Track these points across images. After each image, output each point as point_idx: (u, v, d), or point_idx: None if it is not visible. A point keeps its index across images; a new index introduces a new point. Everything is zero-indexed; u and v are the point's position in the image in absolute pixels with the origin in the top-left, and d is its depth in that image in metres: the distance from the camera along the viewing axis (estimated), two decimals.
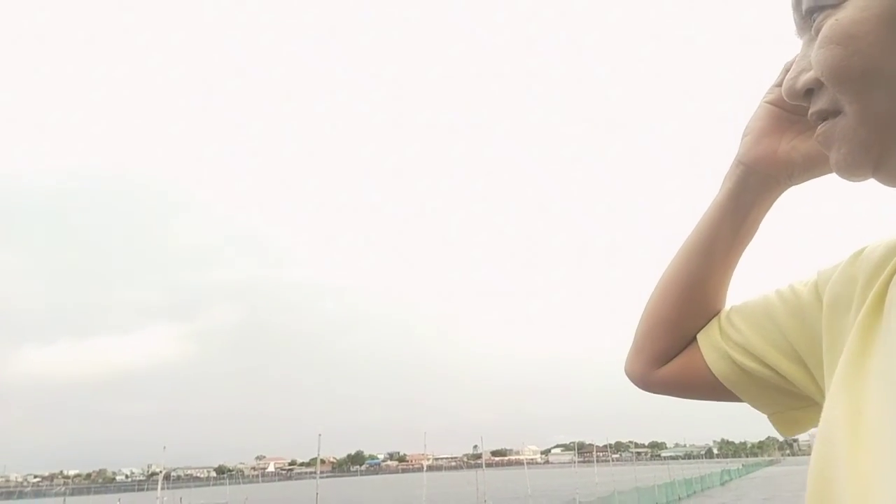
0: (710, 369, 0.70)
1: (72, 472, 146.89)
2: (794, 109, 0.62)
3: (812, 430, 0.56)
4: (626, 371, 0.80)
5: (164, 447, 23.70)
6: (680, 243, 0.75)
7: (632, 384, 0.80)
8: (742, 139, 0.67)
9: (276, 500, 47.90)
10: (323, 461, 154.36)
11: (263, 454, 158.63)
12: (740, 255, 0.73)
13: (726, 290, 0.74)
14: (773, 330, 0.65)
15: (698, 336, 0.73)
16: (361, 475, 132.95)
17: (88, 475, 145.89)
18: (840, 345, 0.53)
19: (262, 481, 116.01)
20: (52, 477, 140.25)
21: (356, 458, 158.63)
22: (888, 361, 0.46)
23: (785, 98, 0.53)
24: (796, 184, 0.66)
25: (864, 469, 0.42)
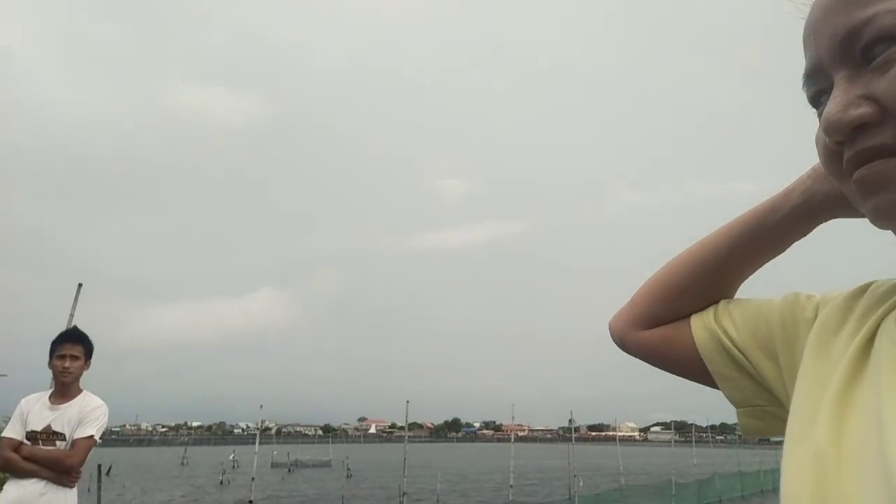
0: (695, 345, 0.72)
1: (194, 424, 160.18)
2: None
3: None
4: (609, 324, 0.80)
5: (262, 406, 25.56)
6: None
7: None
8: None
9: (374, 460, 50.20)
10: (421, 426, 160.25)
11: (365, 416, 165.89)
12: (764, 260, 0.72)
13: (737, 285, 0.74)
14: (766, 332, 0.67)
15: (693, 315, 0.74)
16: (457, 441, 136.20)
17: (209, 427, 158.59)
18: (820, 365, 0.55)
19: (364, 442, 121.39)
20: (177, 427, 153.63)
21: (453, 425, 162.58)
22: (875, 390, 0.47)
23: (825, 133, 0.49)
24: (842, 216, 0.65)
25: (848, 498, 0.44)
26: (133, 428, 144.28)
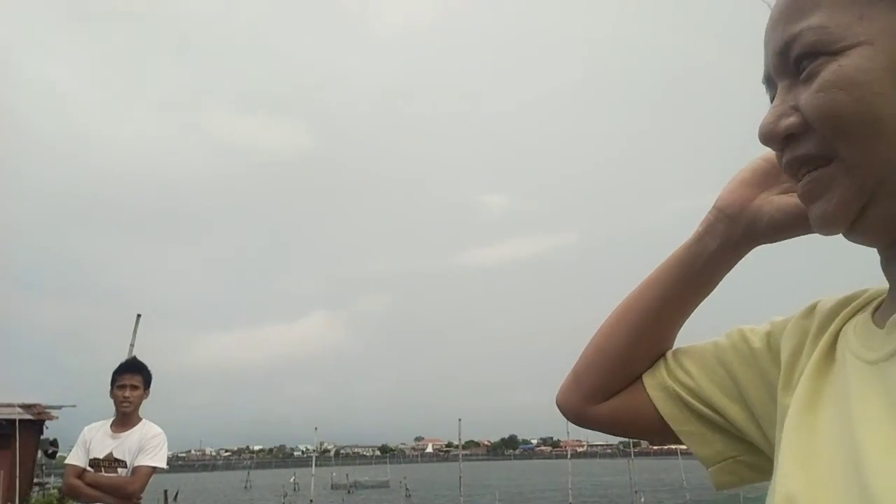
0: (655, 408, 0.69)
1: (256, 448, 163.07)
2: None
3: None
4: (558, 402, 0.77)
5: (316, 428, 25.83)
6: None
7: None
8: (724, 187, 0.67)
9: (432, 479, 50.01)
10: (478, 444, 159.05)
11: (422, 435, 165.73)
12: (697, 301, 0.72)
13: (675, 333, 0.73)
14: (723, 375, 0.65)
15: (644, 377, 0.72)
16: (515, 459, 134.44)
17: (270, 450, 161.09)
18: (792, 394, 0.54)
19: (421, 461, 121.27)
20: (239, 451, 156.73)
21: (509, 442, 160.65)
22: (841, 407, 0.47)
23: (760, 141, 0.52)
24: (765, 242, 0.65)
25: (822, 489, 0.44)
26: (198, 453, 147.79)
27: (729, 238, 0.66)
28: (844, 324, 0.55)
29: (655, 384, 0.70)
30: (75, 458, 3.83)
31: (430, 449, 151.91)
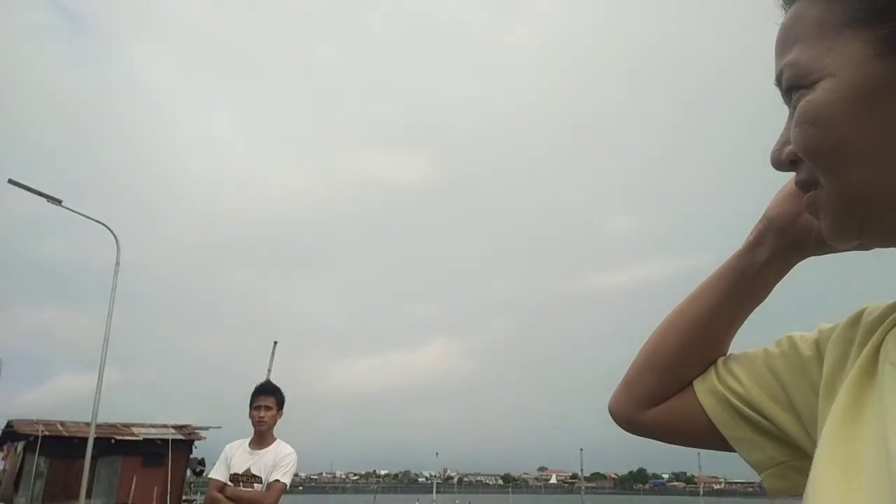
0: (705, 414, 0.70)
1: (382, 472, 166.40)
2: None
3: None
4: (610, 408, 0.78)
5: (437, 453, 26.03)
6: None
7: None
8: (775, 195, 0.68)
9: None
10: (604, 476, 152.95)
11: (545, 465, 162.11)
12: (749, 310, 0.72)
13: (729, 341, 0.73)
14: (773, 382, 0.65)
15: (694, 382, 0.72)
16: (644, 494, 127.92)
17: (396, 475, 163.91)
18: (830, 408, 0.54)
19: (545, 492, 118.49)
20: (367, 475, 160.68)
21: (638, 476, 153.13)
22: (879, 419, 0.47)
23: (773, 167, 0.55)
24: (814, 254, 0.66)
25: None
26: (328, 476, 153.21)
27: (779, 249, 0.67)
28: (889, 331, 0.54)
29: (706, 389, 0.70)
30: (218, 472, 4.19)
31: (553, 480, 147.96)
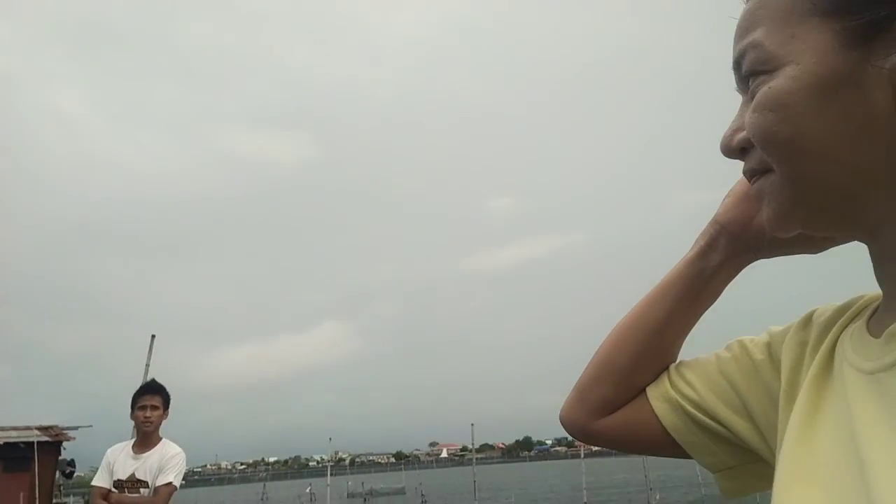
0: (659, 421, 0.70)
1: (271, 459, 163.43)
2: None
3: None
4: (562, 417, 0.78)
5: (330, 438, 25.94)
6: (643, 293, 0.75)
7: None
8: (723, 200, 0.69)
9: (448, 484, 50.09)
10: (493, 447, 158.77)
11: (436, 441, 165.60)
12: (700, 315, 0.73)
13: (680, 346, 0.74)
14: (726, 387, 0.66)
15: (647, 389, 0.73)
16: (530, 460, 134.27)
17: (286, 462, 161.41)
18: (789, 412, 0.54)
19: (437, 467, 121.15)
20: (255, 464, 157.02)
21: (524, 444, 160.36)
22: (839, 420, 0.47)
23: (722, 153, 0.55)
24: (765, 257, 0.67)
25: None
26: (213, 467, 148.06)
27: (732, 253, 0.68)
28: (841, 332, 0.55)
29: (659, 396, 0.71)
30: (100, 479, 3.97)
31: (444, 454, 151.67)
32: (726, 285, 0.71)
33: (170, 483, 3.91)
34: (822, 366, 0.54)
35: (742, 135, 0.52)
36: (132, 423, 4.14)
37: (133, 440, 4.12)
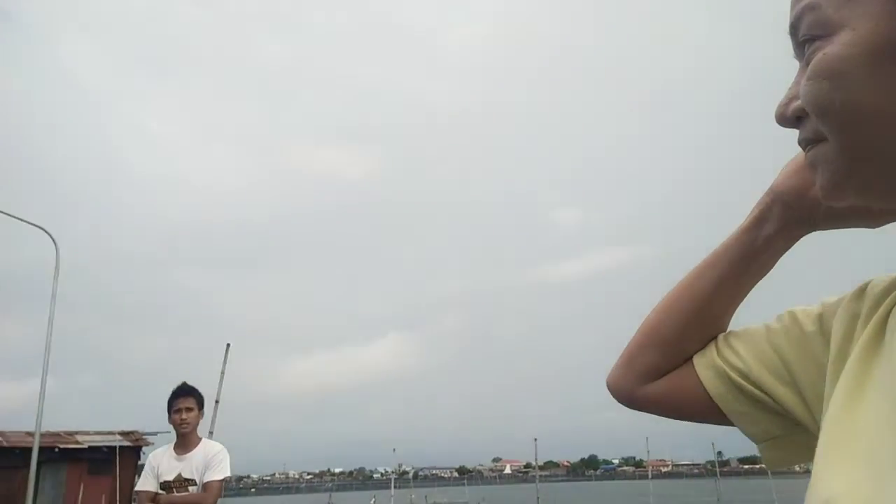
0: (704, 388, 0.70)
1: (337, 470, 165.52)
2: None
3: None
4: (608, 383, 0.78)
5: (394, 449, 26.16)
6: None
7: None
8: (781, 169, 0.67)
9: (509, 500, 49.43)
10: (557, 464, 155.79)
11: (500, 456, 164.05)
12: (751, 286, 0.72)
13: (730, 317, 0.74)
14: (774, 357, 0.65)
15: (694, 357, 0.72)
16: (596, 480, 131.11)
17: (350, 473, 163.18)
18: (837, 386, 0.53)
19: (500, 483, 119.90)
20: (321, 474, 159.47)
21: (590, 463, 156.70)
22: (886, 389, 0.46)
23: (777, 122, 0.53)
24: (820, 229, 0.66)
25: (864, 491, 0.43)
26: (282, 476, 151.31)
27: (786, 223, 0.66)
28: (894, 306, 0.53)
29: (705, 364, 0.70)
30: (145, 484, 4.06)
31: (508, 470, 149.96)
32: (779, 257, 0.70)
33: (219, 479, 4.01)
34: (873, 336, 0.53)
35: (797, 103, 0.50)
36: (205, 428, 4.31)
37: (173, 443, 4.20)
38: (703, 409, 0.71)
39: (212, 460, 4.06)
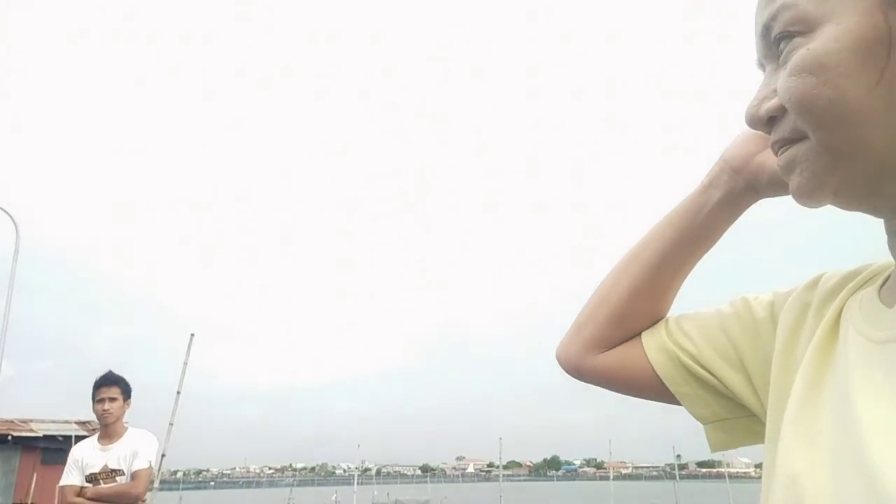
0: (652, 367, 0.70)
1: (299, 465, 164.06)
2: None
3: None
4: (557, 353, 0.78)
5: (359, 445, 26.08)
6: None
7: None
8: (733, 140, 0.69)
9: (472, 499, 49.66)
10: (520, 464, 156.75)
11: (463, 455, 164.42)
12: (699, 255, 0.72)
13: (677, 288, 0.74)
14: (724, 342, 0.66)
15: (643, 335, 0.73)
16: (557, 480, 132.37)
17: (313, 468, 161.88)
18: (792, 368, 0.54)
19: (462, 481, 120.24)
20: (283, 469, 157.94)
21: (552, 463, 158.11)
22: (844, 383, 0.47)
23: (747, 125, 0.53)
24: (767, 196, 0.66)
25: (824, 472, 0.44)
26: (242, 470, 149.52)
27: (732, 190, 0.67)
28: (849, 299, 0.54)
29: (654, 345, 0.71)
30: (70, 478, 3.93)
31: (471, 469, 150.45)
32: (728, 225, 0.70)
33: (147, 466, 3.93)
34: (829, 330, 0.53)
35: (772, 103, 0.49)
36: (165, 419, 4.21)
37: (97, 434, 4.13)
38: (650, 386, 0.71)
39: (139, 447, 3.98)
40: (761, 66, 0.53)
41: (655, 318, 0.74)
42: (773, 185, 0.64)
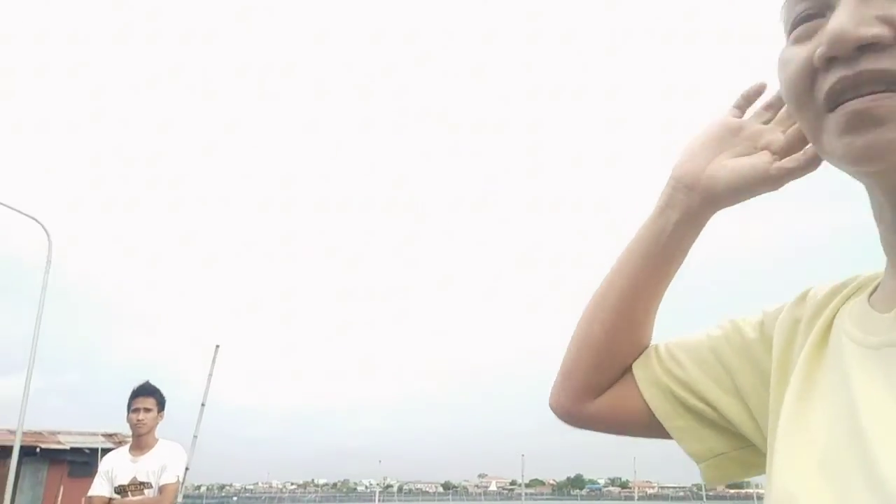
0: (646, 404, 0.68)
1: (321, 481, 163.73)
2: (736, 131, 0.63)
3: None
4: (551, 403, 0.75)
5: (380, 461, 26.02)
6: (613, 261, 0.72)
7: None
8: (678, 157, 0.67)
9: None
10: (543, 483, 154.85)
11: (485, 472, 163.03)
12: (670, 276, 0.70)
13: (654, 315, 0.72)
14: (718, 367, 0.64)
15: (634, 367, 0.71)
16: (581, 500, 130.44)
17: (335, 485, 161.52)
18: (787, 384, 0.53)
19: (485, 499, 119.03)
20: (305, 485, 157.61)
21: (576, 482, 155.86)
22: (836, 394, 0.46)
23: (829, 46, 0.44)
24: (725, 206, 0.65)
25: (823, 494, 0.42)
26: (265, 486, 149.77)
27: (689, 208, 0.66)
28: (838, 310, 0.54)
29: (646, 378, 0.69)
30: (98, 488, 3.92)
31: (493, 486, 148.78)
32: (692, 243, 0.69)
33: (175, 480, 3.91)
34: (818, 342, 0.52)
35: (876, 30, 0.42)
36: (189, 432, 4.22)
37: (129, 444, 4.11)
38: (647, 424, 0.69)
39: (168, 461, 3.96)
40: (808, 18, 0.47)
41: (641, 348, 0.71)
42: (728, 196, 0.63)
